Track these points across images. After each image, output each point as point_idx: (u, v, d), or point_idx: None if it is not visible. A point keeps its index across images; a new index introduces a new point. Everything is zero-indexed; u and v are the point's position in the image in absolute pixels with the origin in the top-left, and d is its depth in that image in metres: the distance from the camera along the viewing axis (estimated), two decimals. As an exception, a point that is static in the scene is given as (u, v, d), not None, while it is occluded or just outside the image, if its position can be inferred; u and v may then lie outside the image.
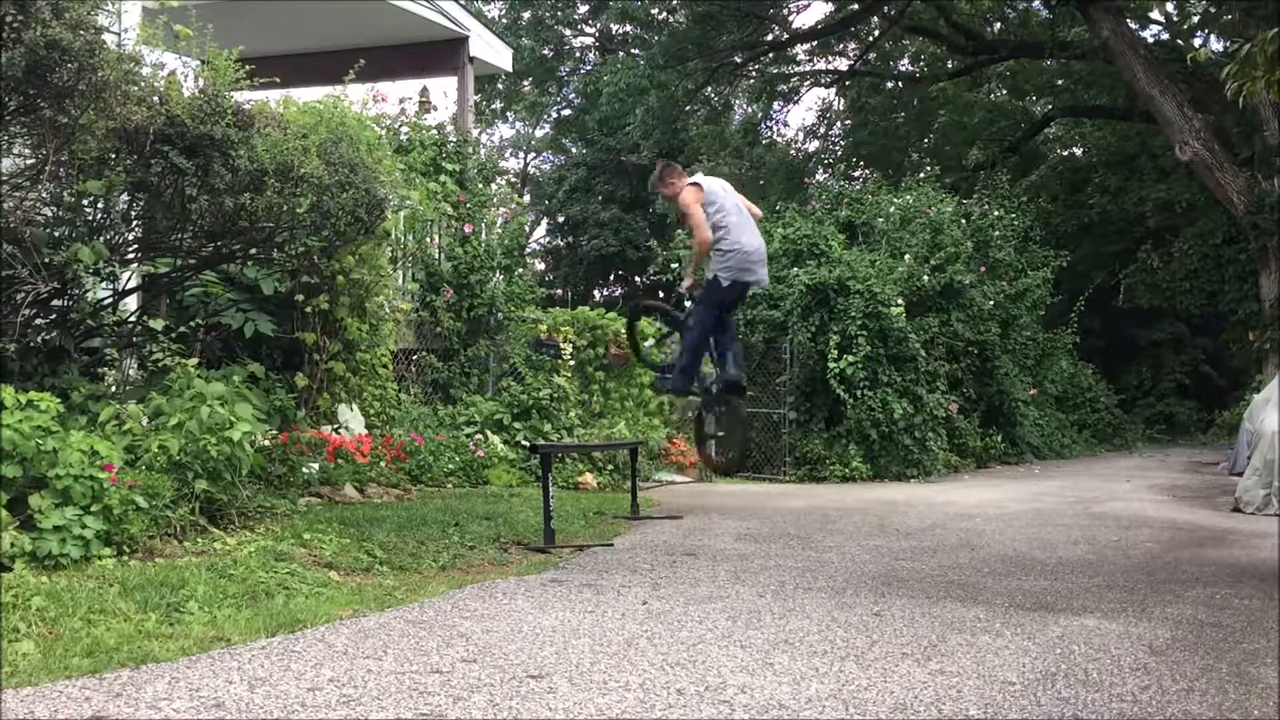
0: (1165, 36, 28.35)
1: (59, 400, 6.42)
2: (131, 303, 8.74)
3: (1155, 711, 4.14)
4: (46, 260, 6.99)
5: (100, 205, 7.72)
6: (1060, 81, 30.82)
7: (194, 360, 7.55)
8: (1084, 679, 4.57)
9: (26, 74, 6.29)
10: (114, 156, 7.43)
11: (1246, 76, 7.89)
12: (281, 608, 5.42)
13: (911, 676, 4.54)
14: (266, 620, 5.16)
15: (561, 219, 39.87)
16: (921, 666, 4.71)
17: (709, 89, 30.53)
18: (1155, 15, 28.45)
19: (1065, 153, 34.27)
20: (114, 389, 7.98)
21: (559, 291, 32.77)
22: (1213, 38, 27.99)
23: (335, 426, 10.05)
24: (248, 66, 8.18)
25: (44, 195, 7.27)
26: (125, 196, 7.84)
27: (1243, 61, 7.90)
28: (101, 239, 7.53)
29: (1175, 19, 29.00)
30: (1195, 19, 28.62)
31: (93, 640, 4.59)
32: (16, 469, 5.92)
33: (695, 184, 8.84)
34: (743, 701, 4.13)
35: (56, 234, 7.47)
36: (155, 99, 7.30)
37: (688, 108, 30.53)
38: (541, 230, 43.02)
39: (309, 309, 9.67)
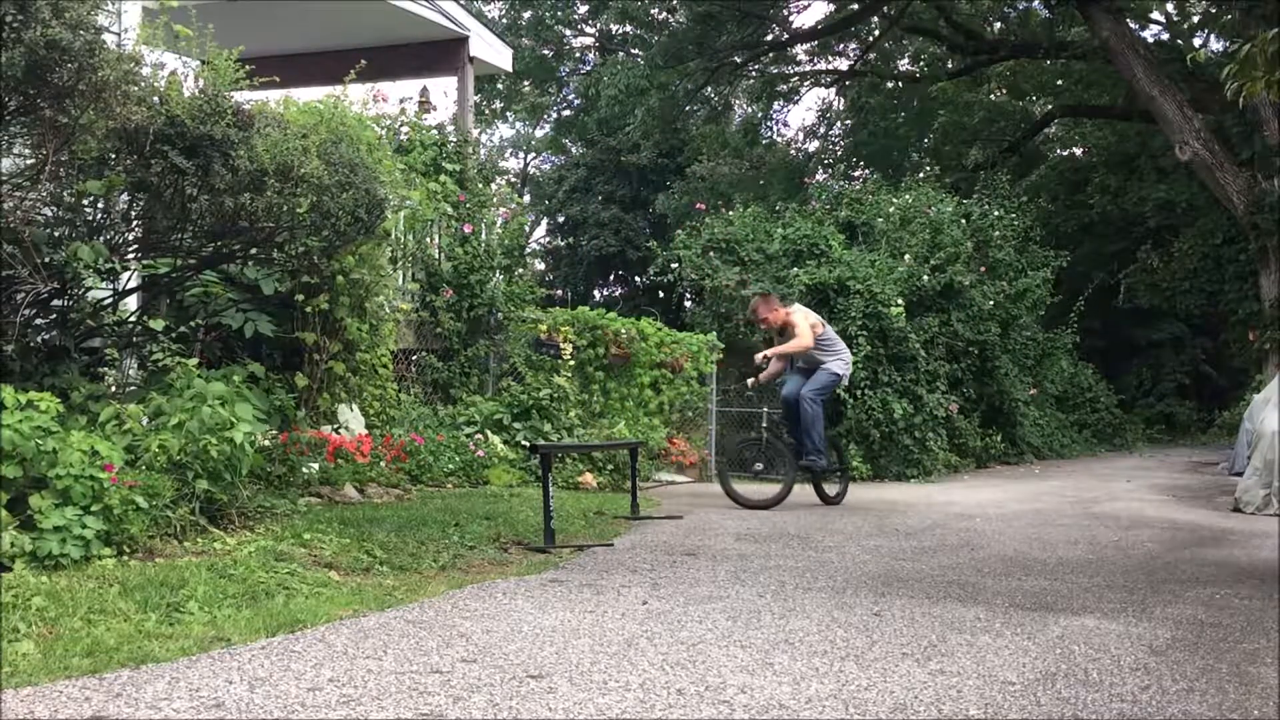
0: (1165, 36, 28.38)
1: (59, 400, 6.42)
2: (131, 303, 8.74)
3: (1155, 711, 4.14)
4: (47, 260, 6.99)
5: (100, 205, 7.72)
6: (1060, 81, 30.85)
7: (194, 360, 7.54)
8: (1084, 679, 4.57)
9: (26, 74, 6.29)
10: (114, 157, 7.43)
11: (1246, 76, 7.90)
12: (281, 608, 5.42)
13: (911, 676, 4.54)
14: (266, 620, 5.16)
15: (561, 219, 39.90)
16: (921, 666, 4.71)
17: (709, 89, 30.53)
18: (1155, 15, 28.47)
19: (1065, 153, 34.32)
20: (114, 389, 7.99)
21: (559, 291, 32.77)
22: (1213, 38, 28.01)
23: (335, 426, 10.05)
24: (248, 66, 8.19)
25: (44, 195, 7.26)
26: (125, 196, 7.83)
27: (1243, 61, 7.90)
28: (101, 239, 7.53)
29: (1175, 19, 29.01)
30: (1195, 19, 28.63)
31: (93, 640, 4.59)
32: (16, 469, 5.93)
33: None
34: (743, 701, 4.13)
35: (56, 234, 7.47)
36: (155, 99, 7.30)
37: (688, 107, 30.54)
38: (541, 230, 43.08)
39: (309, 309, 9.67)
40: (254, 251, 8.82)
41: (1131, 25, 24.11)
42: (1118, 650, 5.13)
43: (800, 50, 31.42)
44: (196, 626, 4.98)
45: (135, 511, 6.22)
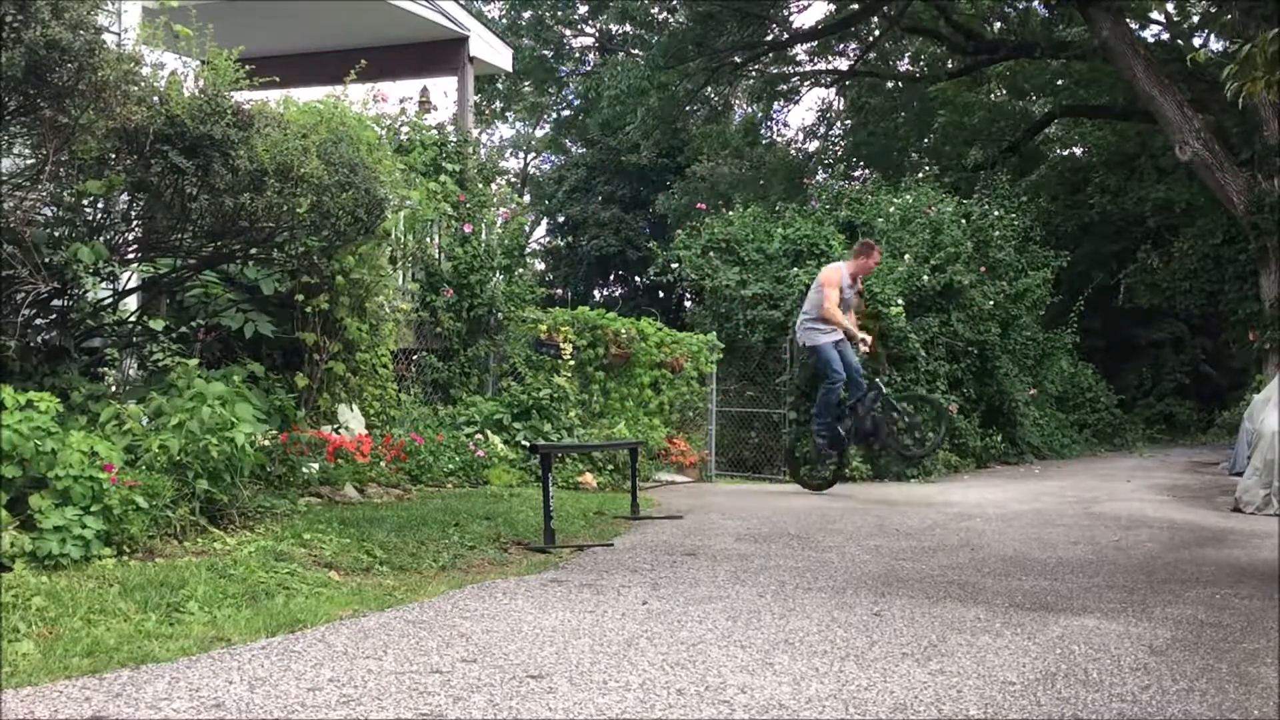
0: (1165, 36, 28.40)
1: (59, 400, 6.42)
2: (131, 302, 8.75)
3: (1155, 711, 4.15)
4: (47, 260, 6.99)
5: (100, 205, 7.72)
6: (1060, 81, 30.88)
7: (195, 360, 7.55)
8: (1084, 679, 4.57)
9: (26, 74, 6.29)
10: (113, 156, 7.44)
11: (1246, 76, 7.91)
12: (281, 608, 5.43)
13: (911, 676, 4.55)
14: (266, 620, 5.16)
15: (561, 219, 39.96)
16: (921, 666, 4.72)
17: (709, 89, 30.57)
18: (1155, 15, 28.49)
19: (1065, 152, 34.35)
20: (114, 389, 7.99)
21: (559, 291, 32.80)
22: (1212, 38, 28.04)
23: (335, 427, 10.06)
24: (248, 66, 8.20)
25: (44, 195, 7.27)
26: (125, 196, 7.84)
27: (1243, 61, 7.91)
28: (101, 239, 7.53)
29: (1175, 19, 29.03)
30: (1195, 19, 28.65)
31: (93, 640, 4.59)
32: (16, 469, 5.93)
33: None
34: (743, 701, 4.13)
35: (56, 234, 7.47)
36: (155, 99, 7.31)
37: (688, 107, 30.59)
38: (541, 230, 43.13)
39: (309, 309, 9.68)
40: (253, 252, 8.82)
41: (1131, 25, 24.13)
42: (1118, 650, 5.13)
43: (800, 50, 31.47)
44: (196, 626, 4.98)
45: (135, 511, 6.23)
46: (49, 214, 7.55)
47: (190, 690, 4.04)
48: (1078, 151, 33.91)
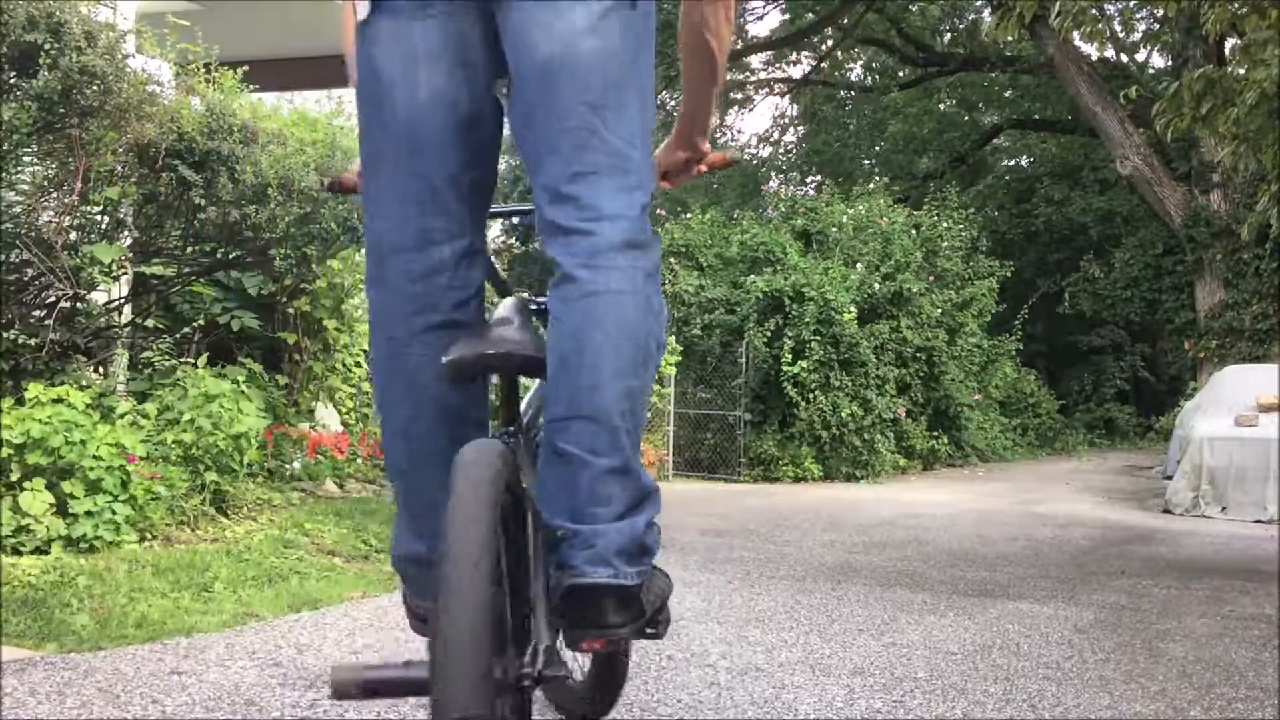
0: (1110, 53, 29.21)
1: (83, 395, 6.93)
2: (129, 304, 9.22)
3: (1075, 675, 4.79)
4: (69, 264, 7.49)
5: (112, 214, 8.21)
6: (1008, 94, 31.69)
7: (204, 359, 8.08)
8: (1015, 650, 5.23)
9: (61, 97, 6.82)
10: (124, 169, 7.93)
11: (1175, 113, 8.60)
12: (298, 589, 5.99)
13: (868, 647, 5.18)
14: (288, 599, 5.72)
15: (516, 220, 40.29)
16: (876, 640, 5.36)
17: (664, 93, 31.14)
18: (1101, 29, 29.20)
19: (1011, 162, 35.19)
20: (115, 388, 8.49)
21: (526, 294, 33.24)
22: (1155, 54, 28.91)
23: (313, 424, 10.56)
24: (245, 75, 8.69)
25: (66, 206, 7.76)
26: (133, 206, 8.33)
27: (1171, 99, 8.60)
28: (112, 244, 8.02)
29: (1120, 34, 29.80)
30: (1138, 35, 29.43)
31: (140, 614, 5.13)
32: (46, 457, 6.44)
33: None
34: (724, 665, 4.74)
35: (72, 239, 7.97)
36: (168, 118, 7.82)
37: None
38: (496, 230, 43.40)
39: (291, 310, 10.16)
40: (249, 260, 9.32)
41: (1077, 42, 24.89)
42: (1046, 628, 5.80)
43: (755, 59, 32.11)
44: (228, 604, 5.54)
45: (156, 500, 6.77)
46: (68, 222, 8.03)
47: (247, 653, 4.61)
48: (1024, 162, 34.78)
